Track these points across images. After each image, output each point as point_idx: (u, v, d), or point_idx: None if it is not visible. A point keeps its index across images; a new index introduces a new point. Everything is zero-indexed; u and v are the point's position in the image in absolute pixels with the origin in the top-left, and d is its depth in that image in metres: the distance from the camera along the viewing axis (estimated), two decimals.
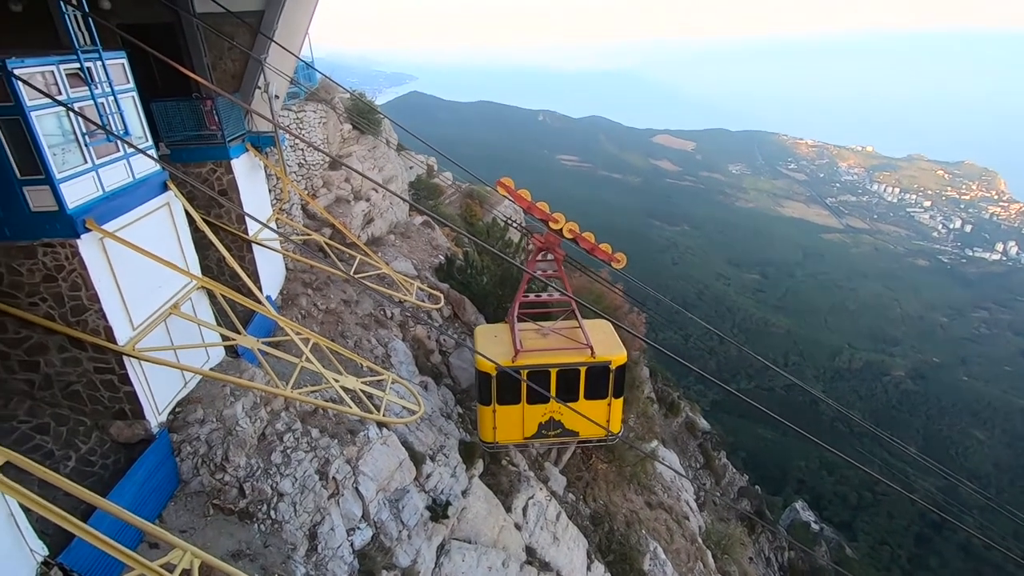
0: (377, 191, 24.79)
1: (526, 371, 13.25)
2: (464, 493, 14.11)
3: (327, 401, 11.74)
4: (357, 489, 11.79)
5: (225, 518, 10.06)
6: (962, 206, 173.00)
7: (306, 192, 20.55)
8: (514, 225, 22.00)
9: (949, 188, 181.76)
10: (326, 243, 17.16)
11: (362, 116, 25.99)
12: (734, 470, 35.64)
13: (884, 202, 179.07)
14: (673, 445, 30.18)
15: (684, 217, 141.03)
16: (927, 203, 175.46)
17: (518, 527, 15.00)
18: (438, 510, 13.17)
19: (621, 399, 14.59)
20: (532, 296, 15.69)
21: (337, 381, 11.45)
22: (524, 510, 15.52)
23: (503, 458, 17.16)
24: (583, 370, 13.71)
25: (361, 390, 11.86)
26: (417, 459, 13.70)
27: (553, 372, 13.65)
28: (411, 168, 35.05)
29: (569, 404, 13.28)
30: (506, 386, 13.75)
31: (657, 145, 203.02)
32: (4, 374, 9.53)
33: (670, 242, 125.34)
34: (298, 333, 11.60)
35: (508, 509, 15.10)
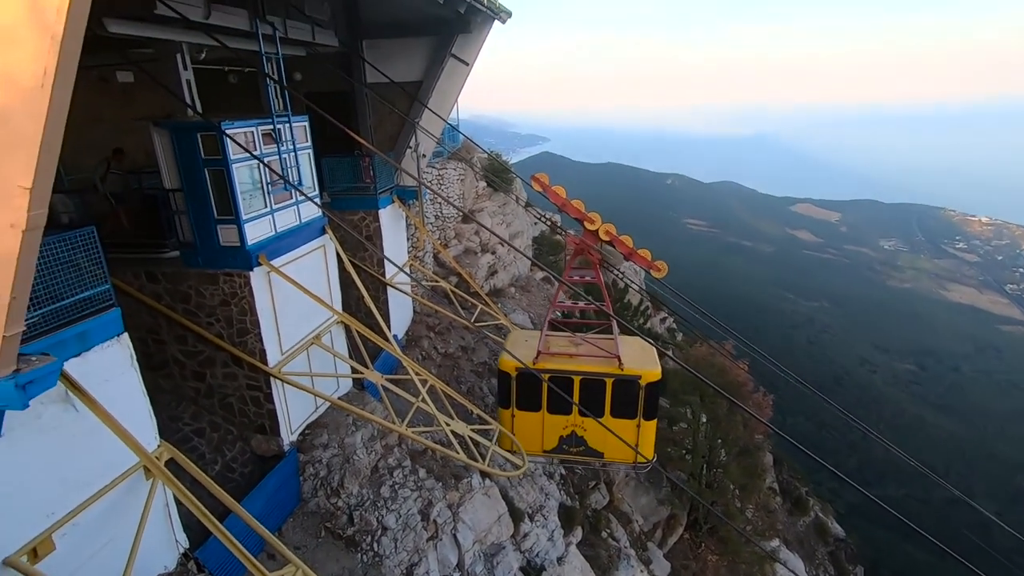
0: (503, 245, 25.93)
1: (547, 375, 12.50)
2: (560, 560, 13.58)
3: (436, 443, 12.11)
4: (455, 536, 11.86)
5: (334, 542, 10.60)
6: None
7: (439, 242, 22.08)
8: (634, 287, 21.69)
9: None
10: (452, 291, 18.15)
11: (496, 175, 27.67)
12: None
13: None
14: (798, 548, 26.64)
15: (823, 292, 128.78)
16: None
17: None
18: (532, 573, 12.76)
19: (654, 422, 13.31)
20: (569, 302, 14.67)
21: (448, 425, 11.80)
22: None
23: (603, 529, 16.33)
24: (609, 382, 12.69)
25: (469, 437, 12.10)
26: (516, 516, 13.51)
27: (576, 380, 12.73)
28: (535, 224, 36.31)
29: (593, 419, 12.13)
30: (527, 390, 13.08)
31: (795, 214, 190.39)
32: (180, 380, 11.14)
33: (805, 318, 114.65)
34: (417, 374, 12.24)
35: None
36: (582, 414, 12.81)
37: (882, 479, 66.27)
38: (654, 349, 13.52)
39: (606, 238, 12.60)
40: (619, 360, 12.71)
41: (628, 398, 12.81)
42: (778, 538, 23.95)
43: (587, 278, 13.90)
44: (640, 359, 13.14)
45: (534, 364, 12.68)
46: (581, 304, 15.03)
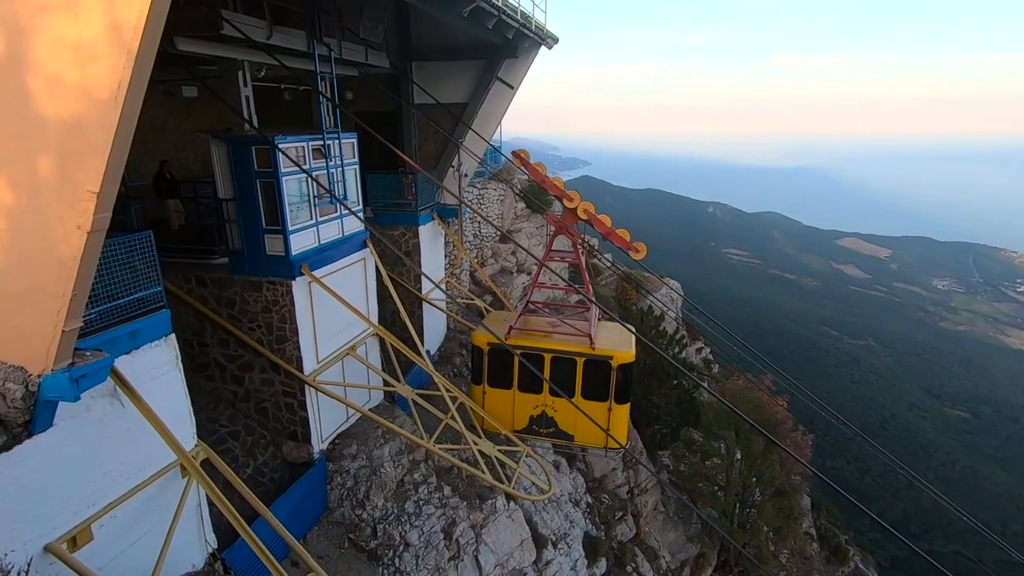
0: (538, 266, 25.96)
1: (518, 351, 12.09)
2: None
3: (463, 461, 12.06)
4: (477, 558, 11.70)
5: (356, 554, 10.62)
6: None
7: (476, 260, 22.27)
8: (671, 314, 21.31)
9: None
10: (486, 309, 18.23)
11: (535, 197, 27.85)
12: None
13: None
14: None
15: (870, 331, 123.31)
16: None
17: None
18: None
19: (626, 406, 12.83)
20: (549, 283, 14.31)
21: (475, 444, 11.76)
22: None
23: (628, 563, 15.86)
24: (580, 361, 12.33)
25: (496, 457, 12.02)
26: (539, 542, 13.26)
27: (547, 357, 12.43)
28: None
29: (564, 398, 11.79)
30: (498, 366, 12.82)
31: (842, 248, 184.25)
32: (219, 383, 11.48)
33: (850, 356, 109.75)
34: (448, 391, 12.29)
35: None
36: (552, 393, 12.55)
37: (928, 532, 62.29)
38: (633, 336, 13.24)
39: (584, 217, 12.48)
40: (590, 339, 12.43)
41: (599, 379, 12.50)
42: None
43: (568, 259, 13.74)
44: (615, 342, 12.87)
45: (506, 339, 12.47)
46: (562, 286, 14.85)
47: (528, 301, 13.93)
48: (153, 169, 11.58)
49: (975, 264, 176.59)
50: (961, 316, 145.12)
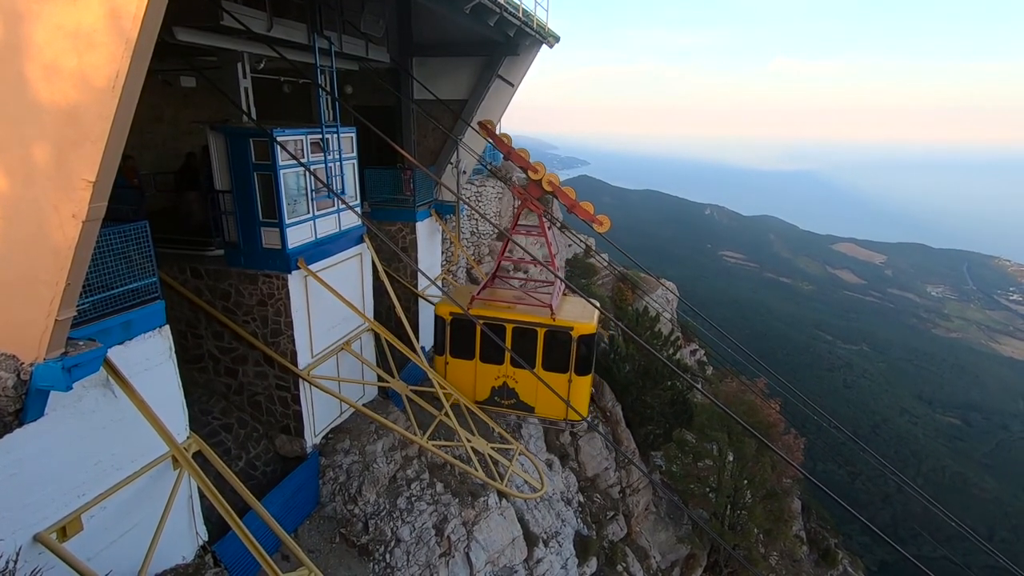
0: (535, 265, 25.95)
1: (480, 322, 12.10)
2: None
3: (456, 458, 12.07)
4: (468, 555, 11.71)
5: (347, 549, 10.61)
6: None
7: (473, 258, 22.25)
8: (666, 315, 21.35)
9: None
10: None
11: None
12: None
13: None
14: None
15: (864, 336, 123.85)
16: None
17: None
18: None
19: (587, 378, 12.97)
20: (516, 258, 14.64)
21: (469, 441, 11.78)
22: None
23: (619, 563, 15.92)
24: (541, 332, 12.44)
25: (489, 455, 12.04)
26: (531, 540, 13.28)
27: (508, 328, 12.52)
28: (570, 246, 36.28)
29: (525, 369, 11.79)
30: (460, 337, 13.01)
31: (837, 253, 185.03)
32: (213, 375, 11.44)
33: (843, 361, 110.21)
34: (442, 387, 12.28)
35: None
36: (514, 364, 12.62)
37: (917, 537, 62.63)
38: (596, 311, 13.35)
39: (549, 188, 12.64)
40: (551, 310, 12.47)
41: (560, 350, 12.61)
42: None
43: (534, 233, 13.89)
44: (577, 314, 12.97)
45: (468, 309, 12.50)
46: (528, 259, 15.07)
47: (495, 274, 13.93)
48: (149, 159, 11.52)
49: (969, 272, 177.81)
50: (954, 323, 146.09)
